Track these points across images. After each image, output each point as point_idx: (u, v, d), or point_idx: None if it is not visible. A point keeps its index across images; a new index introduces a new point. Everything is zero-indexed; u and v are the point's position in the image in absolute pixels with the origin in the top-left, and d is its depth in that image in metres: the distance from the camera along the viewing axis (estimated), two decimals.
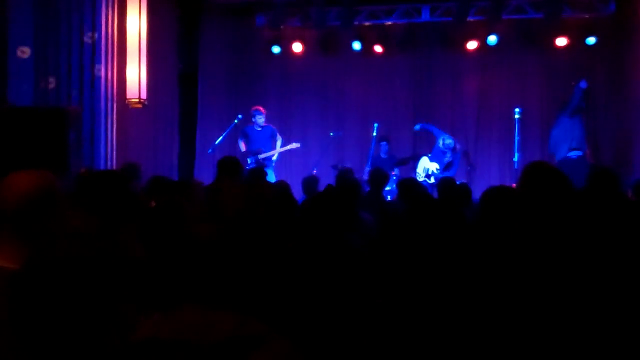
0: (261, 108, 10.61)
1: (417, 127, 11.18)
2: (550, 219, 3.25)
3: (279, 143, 10.45)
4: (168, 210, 3.88)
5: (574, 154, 10.52)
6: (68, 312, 1.85)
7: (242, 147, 10.34)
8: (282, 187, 6.06)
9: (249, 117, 10.63)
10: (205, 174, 10.25)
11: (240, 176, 6.02)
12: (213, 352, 1.81)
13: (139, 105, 9.41)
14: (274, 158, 10.39)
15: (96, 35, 8.72)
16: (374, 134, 10.97)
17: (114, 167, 8.51)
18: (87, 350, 1.85)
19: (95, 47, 8.73)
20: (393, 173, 10.57)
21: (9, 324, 1.89)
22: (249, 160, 10.07)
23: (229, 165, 5.90)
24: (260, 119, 10.47)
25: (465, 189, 6.42)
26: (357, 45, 11.74)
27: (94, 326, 1.85)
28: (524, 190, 3.62)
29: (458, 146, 10.60)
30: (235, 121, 10.62)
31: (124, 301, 2.61)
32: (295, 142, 10.55)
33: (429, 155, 10.78)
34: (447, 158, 10.46)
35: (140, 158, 8.71)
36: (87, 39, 8.70)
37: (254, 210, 3.14)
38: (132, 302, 2.55)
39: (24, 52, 8.23)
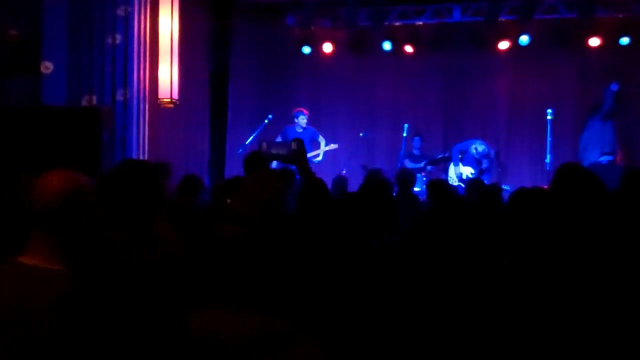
0: (304, 110, 10.65)
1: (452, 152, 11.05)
2: (583, 221, 3.23)
3: (322, 143, 10.51)
4: (207, 211, 3.91)
5: (604, 158, 10.42)
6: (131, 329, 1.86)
7: None
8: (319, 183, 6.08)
9: (282, 120, 10.67)
10: (235, 174, 10.28)
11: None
12: (240, 352, 1.83)
13: (171, 105, 9.46)
14: (318, 159, 10.44)
15: (128, 35, 8.79)
16: (404, 134, 10.95)
17: None
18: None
19: (127, 47, 8.80)
20: (423, 173, 10.54)
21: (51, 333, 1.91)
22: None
23: (255, 161, 5.87)
24: (303, 120, 10.53)
25: (495, 190, 6.38)
26: (387, 46, 11.71)
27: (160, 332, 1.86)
28: (556, 191, 3.60)
29: (492, 153, 10.53)
30: (266, 121, 10.67)
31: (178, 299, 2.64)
32: (333, 143, 10.62)
33: (462, 161, 10.72)
34: (485, 165, 10.39)
35: (172, 158, 8.76)
36: (119, 40, 8.77)
37: (278, 210, 3.15)
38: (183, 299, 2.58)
39: (48, 67, 8.33)
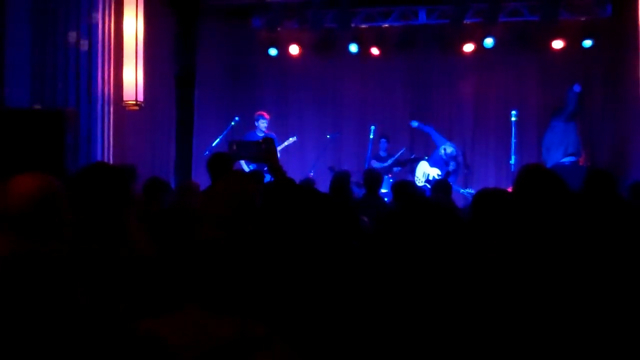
0: (265, 113, 10.67)
1: (415, 124, 11.20)
2: (545, 221, 3.26)
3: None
4: (176, 213, 3.88)
5: (568, 159, 10.58)
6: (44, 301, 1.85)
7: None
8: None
9: (249, 122, 10.66)
10: (202, 176, 10.24)
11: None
12: (214, 354, 1.81)
13: (136, 108, 9.39)
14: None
15: (92, 37, 8.71)
16: (371, 136, 11.01)
17: None
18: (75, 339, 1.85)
19: (91, 49, 8.72)
20: (390, 175, 10.59)
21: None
22: (250, 167, 10.07)
23: (219, 163, 5.84)
24: (264, 124, 10.54)
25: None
26: (354, 48, 11.74)
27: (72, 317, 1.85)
28: (519, 192, 3.62)
29: (460, 157, 10.62)
30: (232, 123, 10.65)
31: (118, 297, 2.61)
32: (292, 137, 10.63)
33: (427, 158, 10.80)
34: (451, 167, 10.47)
35: (137, 160, 8.70)
36: (83, 42, 8.69)
37: (250, 212, 3.14)
38: (130, 299, 2.56)
39: None
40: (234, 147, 3.94)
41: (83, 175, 3.01)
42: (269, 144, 3.73)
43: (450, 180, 10.20)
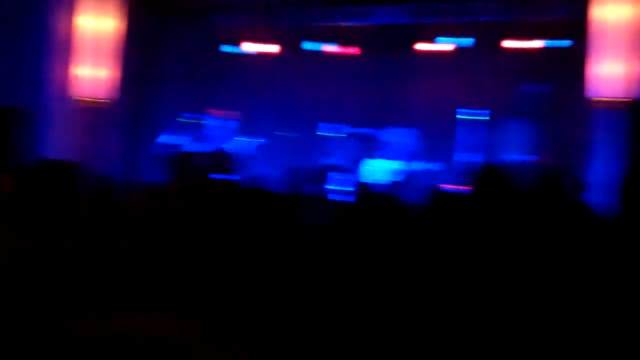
0: (218, 111, 10.61)
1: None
2: (495, 218, 3.30)
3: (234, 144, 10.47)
4: (125, 212, 3.85)
5: (520, 158, 10.71)
6: None
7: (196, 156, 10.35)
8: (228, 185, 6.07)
9: (206, 120, 10.62)
10: (155, 175, 10.17)
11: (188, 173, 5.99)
12: (150, 351, 1.81)
13: (92, 105, 9.31)
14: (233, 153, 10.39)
15: (49, 34, 8.61)
16: (326, 134, 11.03)
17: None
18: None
19: (47, 46, 8.62)
20: (343, 172, 10.63)
21: None
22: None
23: (176, 162, 5.83)
24: (217, 123, 10.49)
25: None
26: (312, 46, 11.73)
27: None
28: (472, 191, 3.67)
29: (410, 139, 10.73)
30: (192, 121, 10.58)
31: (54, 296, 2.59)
32: (249, 136, 10.60)
33: (383, 155, 10.84)
34: (399, 149, 10.57)
35: (91, 158, 8.60)
36: (39, 38, 8.59)
37: (199, 211, 3.12)
38: (68, 298, 2.53)
39: None
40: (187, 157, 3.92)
41: (31, 173, 2.98)
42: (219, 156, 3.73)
43: (403, 173, 10.36)
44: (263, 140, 11.35)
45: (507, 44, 11.40)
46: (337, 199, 7.41)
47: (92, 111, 9.39)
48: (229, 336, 1.95)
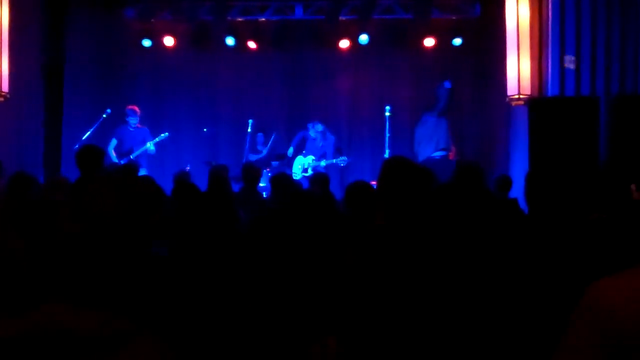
0: (136, 108, 10.43)
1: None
2: (409, 214, 3.33)
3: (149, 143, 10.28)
4: (40, 207, 3.72)
5: (438, 154, 10.92)
6: None
7: (113, 153, 10.14)
8: (149, 182, 5.95)
9: (121, 116, 10.41)
10: (71, 170, 9.90)
11: (103, 168, 5.82)
12: (78, 349, 1.74)
13: (1, 99, 9.02)
14: (151, 148, 10.20)
15: None
16: (249, 130, 10.98)
17: None
18: None
19: None
20: (268, 169, 10.59)
21: None
22: (121, 162, 9.85)
23: (91, 156, 5.65)
24: (134, 120, 10.31)
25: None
26: (230, 41, 11.65)
27: None
28: (382, 185, 3.68)
29: (328, 133, 10.80)
30: (104, 115, 10.35)
31: None
32: (163, 133, 10.42)
33: (303, 152, 10.87)
34: (318, 143, 10.63)
35: (3, 154, 8.28)
36: None
37: (125, 207, 3.03)
38: None
39: None
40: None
41: None
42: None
43: (327, 159, 10.40)
44: (177, 136, 11.22)
45: (421, 41, 11.61)
46: (263, 196, 7.37)
47: (4, 105, 9.09)
48: (158, 335, 1.90)
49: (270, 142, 11.20)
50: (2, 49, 8.89)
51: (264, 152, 11.09)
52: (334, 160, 10.50)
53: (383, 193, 3.46)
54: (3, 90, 8.93)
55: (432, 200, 3.59)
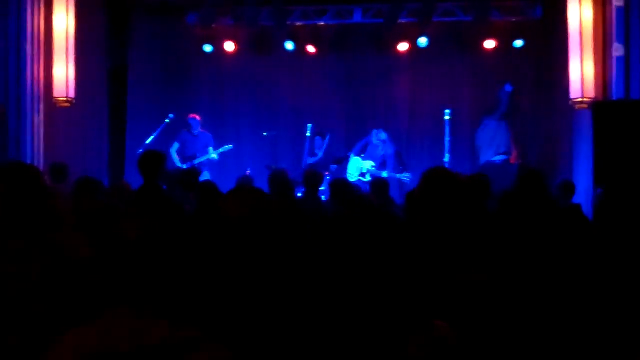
0: (197, 117, 10.60)
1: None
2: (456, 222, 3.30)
3: (211, 149, 10.44)
4: (98, 211, 3.80)
5: (499, 158, 10.78)
6: None
7: (176, 157, 10.34)
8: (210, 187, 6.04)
9: (183, 120, 10.60)
10: (136, 175, 10.10)
11: (164, 173, 5.91)
12: (144, 357, 1.78)
13: (67, 104, 9.24)
14: (214, 157, 10.37)
15: (21, 32, 8.51)
16: (308, 134, 11.03)
17: (41, 167, 8.30)
18: None
19: (20, 45, 8.52)
20: (327, 173, 10.61)
21: None
22: (184, 167, 10.03)
23: (152, 160, 5.72)
24: (196, 127, 10.52)
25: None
26: (289, 45, 11.72)
27: None
28: (421, 195, 3.65)
29: (389, 142, 10.75)
30: (167, 120, 10.54)
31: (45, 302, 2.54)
32: (227, 145, 10.57)
33: (362, 155, 10.85)
34: (380, 151, 10.59)
35: (69, 158, 8.50)
36: (12, 37, 8.49)
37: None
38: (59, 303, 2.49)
39: None
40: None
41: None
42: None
43: (387, 168, 10.35)
44: (237, 140, 11.34)
45: (481, 44, 11.48)
46: (323, 202, 7.39)
47: (70, 110, 9.32)
48: (224, 342, 1.93)
49: (325, 144, 11.21)
50: (69, 56, 9.11)
51: (320, 154, 11.11)
52: (398, 176, 10.42)
53: (421, 204, 3.44)
54: (69, 95, 9.14)
55: (488, 209, 3.54)
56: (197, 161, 10.27)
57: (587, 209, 6.17)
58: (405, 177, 10.34)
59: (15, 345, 2.37)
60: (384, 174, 10.41)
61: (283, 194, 5.92)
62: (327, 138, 11.22)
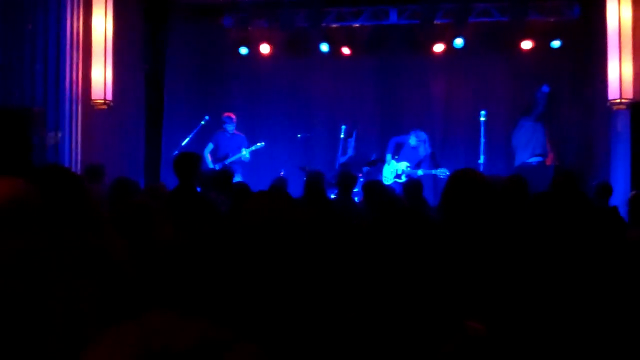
0: (232, 115, 10.67)
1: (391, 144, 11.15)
2: (489, 224, 3.28)
3: (243, 150, 10.49)
4: (137, 213, 3.84)
5: (534, 159, 10.68)
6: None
7: (209, 157, 10.41)
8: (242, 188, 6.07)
9: (218, 122, 10.66)
10: (171, 176, 10.19)
11: (199, 174, 5.96)
12: (181, 358, 1.79)
13: (104, 107, 9.34)
14: (246, 156, 10.42)
15: (60, 35, 8.63)
16: (342, 135, 11.03)
17: (79, 170, 8.41)
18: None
19: (60, 47, 8.64)
20: (360, 175, 10.61)
21: None
22: (216, 167, 10.11)
23: (187, 162, 5.78)
24: (231, 127, 10.56)
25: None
26: (324, 47, 11.74)
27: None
28: (447, 198, 3.64)
29: (428, 143, 10.73)
30: (202, 122, 10.63)
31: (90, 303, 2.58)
32: (259, 142, 10.61)
33: (396, 157, 10.83)
34: (421, 152, 10.56)
35: (106, 160, 8.60)
36: (51, 40, 8.60)
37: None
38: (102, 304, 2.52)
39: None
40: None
41: (36, 179, 2.93)
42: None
43: (423, 168, 10.32)
44: (271, 142, 11.39)
45: (518, 44, 11.38)
46: (356, 203, 7.38)
47: (108, 113, 9.43)
48: (257, 341, 1.93)
49: (353, 140, 11.19)
50: (107, 58, 9.22)
51: (349, 151, 11.09)
52: (433, 172, 10.41)
53: (446, 206, 3.42)
54: (107, 98, 9.25)
55: (523, 209, 3.52)
56: (228, 160, 10.32)
57: (624, 211, 6.08)
58: (441, 172, 10.29)
59: (55, 344, 2.41)
60: (419, 172, 10.39)
61: (317, 197, 5.93)
62: (354, 134, 11.19)
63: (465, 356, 2.33)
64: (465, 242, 3.16)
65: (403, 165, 10.62)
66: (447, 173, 10.27)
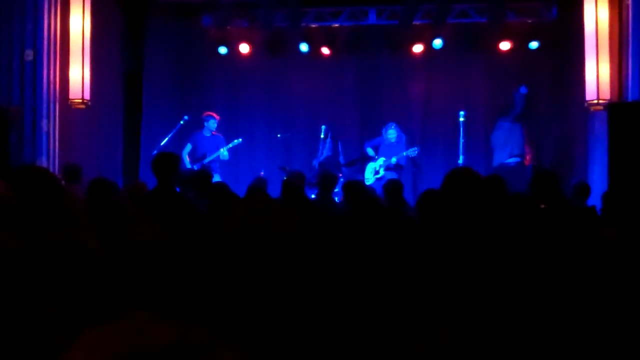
0: (215, 114, 10.60)
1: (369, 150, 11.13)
2: (475, 224, 3.29)
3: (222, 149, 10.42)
4: (112, 212, 3.82)
5: (512, 160, 10.75)
6: None
7: (187, 158, 10.33)
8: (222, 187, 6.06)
9: (198, 122, 10.60)
10: (150, 176, 10.12)
11: (178, 175, 5.91)
12: (157, 359, 1.78)
13: (82, 106, 9.28)
14: (224, 154, 10.36)
15: (37, 34, 8.56)
16: (322, 136, 11.01)
17: (57, 169, 8.35)
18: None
19: (36, 46, 8.57)
20: (340, 175, 10.61)
21: None
22: (194, 168, 10.06)
23: (166, 162, 5.74)
24: (214, 125, 10.49)
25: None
26: (304, 47, 11.73)
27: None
28: (445, 196, 3.66)
29: (399, 131, 10.74)
30: (181, 122, 10.57)
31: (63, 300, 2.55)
32: (237, 138, 10.58)
33: (375, 157, 10.84)
34: (394, 145, 10.58)
35: (84, 159, 8.56)
36: (28, 39, 8.53)
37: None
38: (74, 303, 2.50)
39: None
40: None
41: (13, 179, 2.91)
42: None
43: (400, 172, 10.36)
44: (251, 142, 11.37)
45: (496, 45, 11.45)
46: (337, 203, 7.38)
47: (86, 112, 9.36)
48: (236, 343, 1.93)
49: (329, 141, 11.12)
50: (84, 58, 9.16)
51: (325, 152, 11.03)
52: (405, 153, 10.45)
53: (445, 204, 3.44)
54: (85, 97, 9.19)
55: (502, 210, 3.54)
56: (206, 160, 10.27)
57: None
58: (412, 151, 10.36)
59: (31, 344, 2.39)
60: (393, 160, 10.41)
61: (295, 198, 5.92)
62: (329, 134, 11.14)
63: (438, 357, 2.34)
64: (442, 241, 3.18)
65: (380, 161, 10.64)
66: (417, 150, 10.36)
